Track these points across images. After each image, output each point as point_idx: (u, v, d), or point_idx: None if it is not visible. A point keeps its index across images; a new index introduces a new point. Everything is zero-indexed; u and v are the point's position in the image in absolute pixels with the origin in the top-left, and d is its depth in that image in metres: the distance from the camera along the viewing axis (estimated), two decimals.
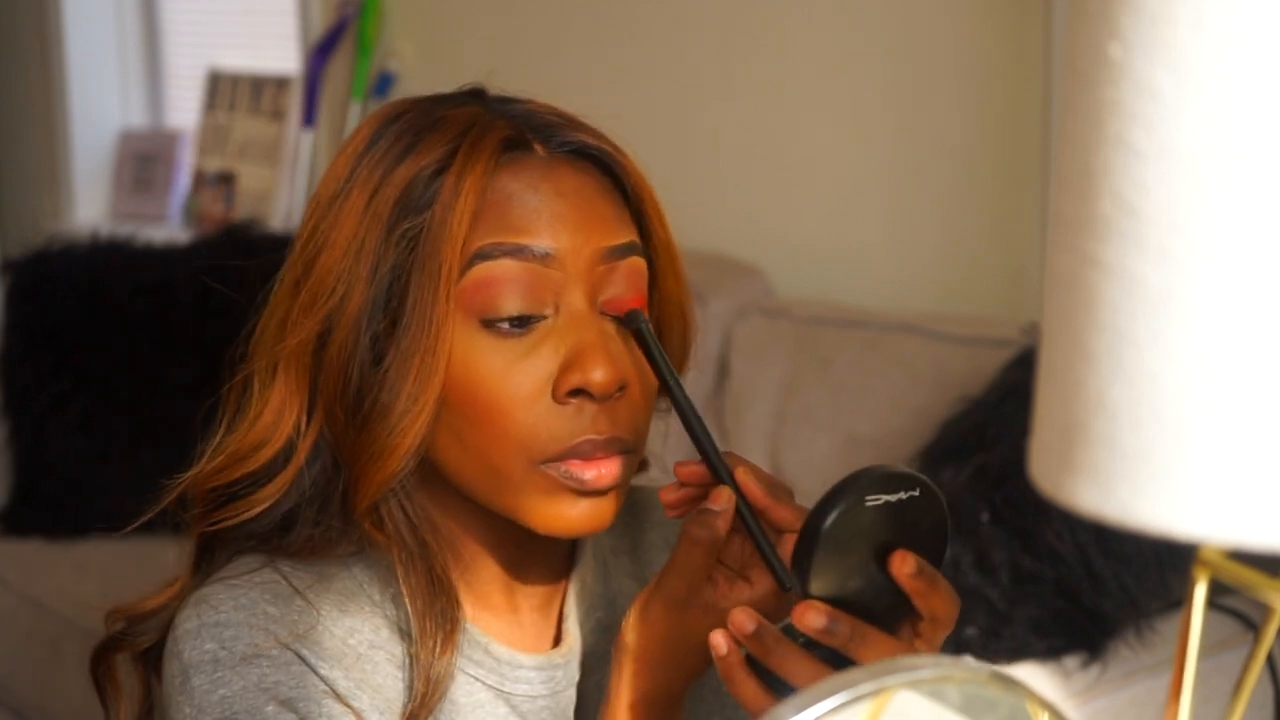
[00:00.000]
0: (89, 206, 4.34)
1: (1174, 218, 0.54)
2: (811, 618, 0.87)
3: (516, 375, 0.95)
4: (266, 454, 0.99)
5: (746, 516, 0.92)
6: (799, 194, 2.87)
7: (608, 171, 1.01)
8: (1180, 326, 0.54)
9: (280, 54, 3.98)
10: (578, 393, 0.95)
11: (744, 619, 0.88)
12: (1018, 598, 1.89)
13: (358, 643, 0.99)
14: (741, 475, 0.93)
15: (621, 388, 0.96)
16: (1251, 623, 1.99)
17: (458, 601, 0.99)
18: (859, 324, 2.55)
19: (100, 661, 1.07)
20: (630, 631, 0.94)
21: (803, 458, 2.51)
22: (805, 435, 2.52)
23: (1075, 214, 0.58)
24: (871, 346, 2.49)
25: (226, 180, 4.02)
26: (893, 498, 0.88)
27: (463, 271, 0.95)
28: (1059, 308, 0.59)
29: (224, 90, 4.08)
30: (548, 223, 0.96)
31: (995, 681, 0.65)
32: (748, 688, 0.89)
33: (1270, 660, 2.01)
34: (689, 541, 0.91)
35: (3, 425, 3.09)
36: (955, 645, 1.89)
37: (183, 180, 4.19)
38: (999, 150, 2.58)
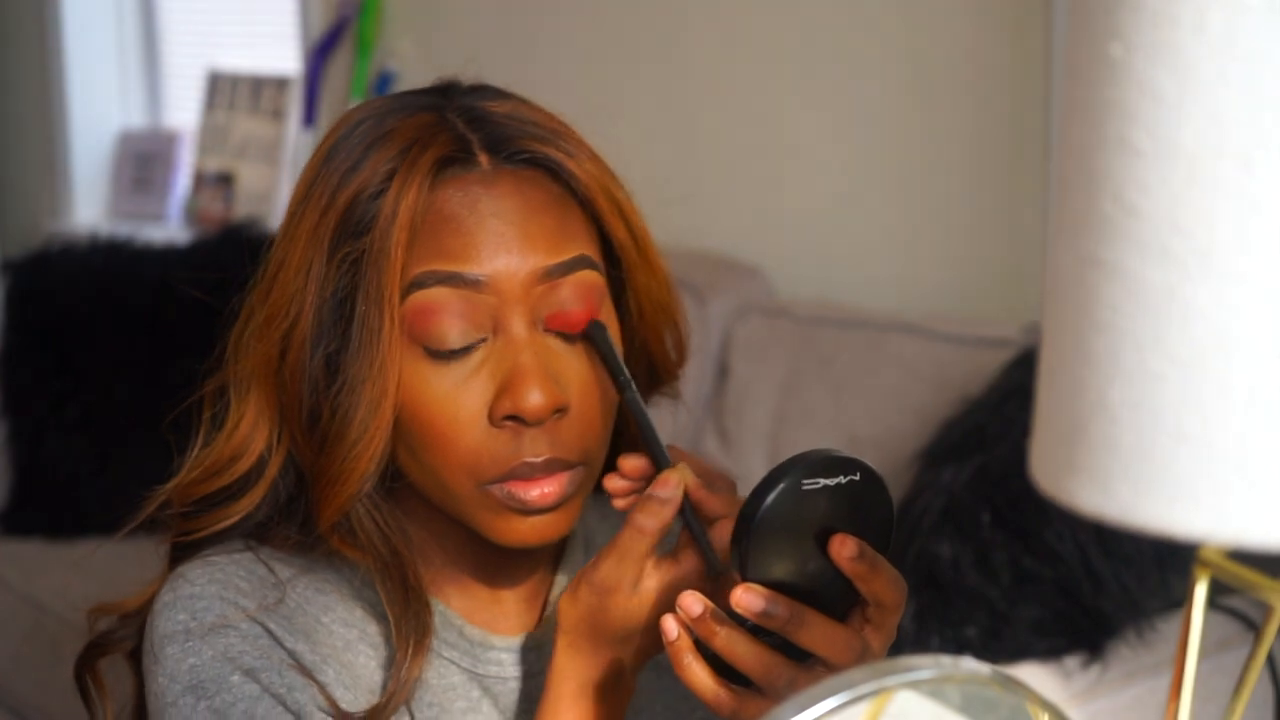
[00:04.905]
0: (89, 206, 4.35)
1: (1175, 218, 0.54)
2: (748, 600, 0.87)
3: (456, 399, 0.96)
4: (241, 467, 1.01)
5: (683, 502, 0.92)
6: (799, 194, 2.87)
7: (559, 178, 1.00)
8: (1181, 327, 0.54)
9: (280, 54, 3.98)
10: (513, 417, 0.96)
11: (691, 602, 0.88)
12: (1018, 598, 1.89)
13: (331, 620, 1.01)
14: (681, 466, 0.93)
15: (560, 410, 0.96)
16: (1251, 623, 1.99)
17: (429, 608, 1.01)
18: (859, 324, 2.55)
19: (86, 664, 1.09)
20: (561, 608, 0.94)
21: None
22: (805, 435, 2.51)
23: (1076, 214, 0.58)
24: (871, 346, 2.49)
25: (226, 180, 4.02)
26: (831, 481, 0.87)
27: (402, 298, 0.96)
28: (1059, 308, 0.59)
29: (223, 90, 4.08)
30: (480, 247, 0.96)
31: (996, 682, 0.65)
32: (694, 672, 0.89)
33: (1270, 660, 2.01)
34: (634, 529, 0.91)
35: (3, 425, 3.09)
36: (955, 645, 1.89)
37: (182, 180, 4.19)
38: (999, 150, 2.58)
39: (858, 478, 0.88)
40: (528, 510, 0.97)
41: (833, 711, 0.61)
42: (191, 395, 1.05)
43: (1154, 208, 0.55)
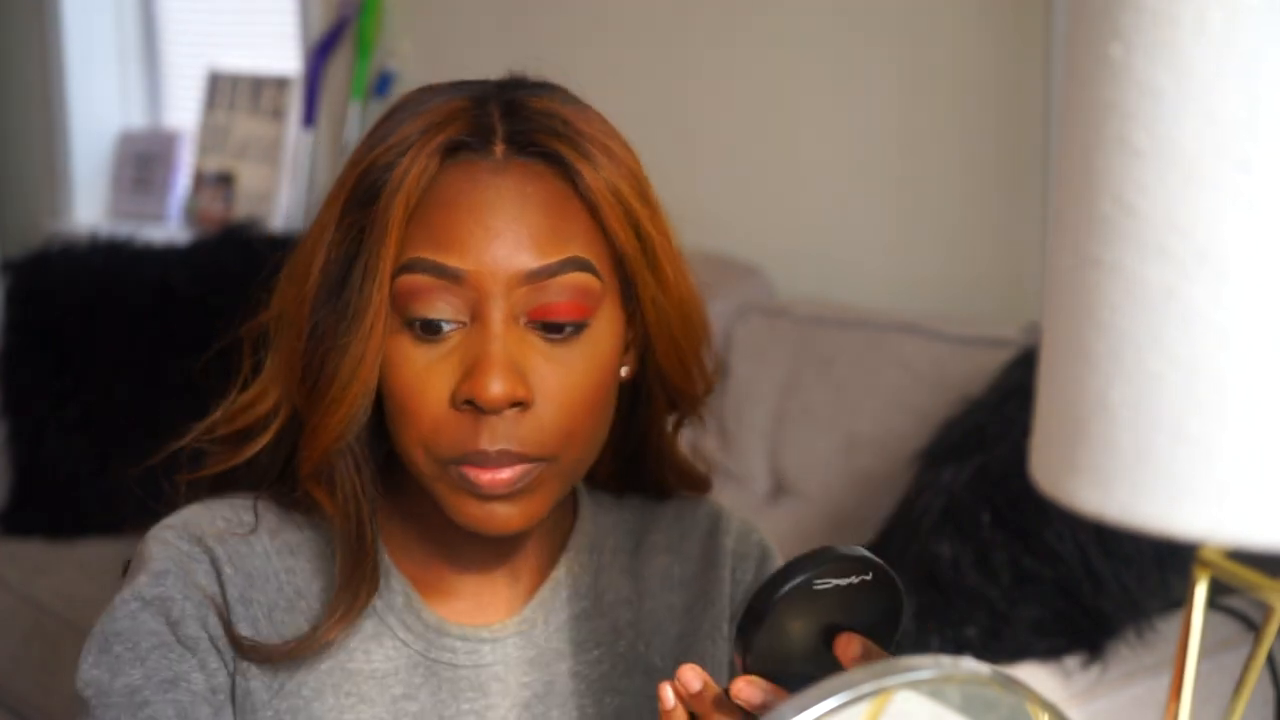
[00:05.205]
0: (89, 206, 4.35)
1: (1174, 218, 0.54)
2: (749, 693, 0.88)
3: (425, 377, 0.98)
4: (257, 412, 1.04)
5: None
6: (799, 194, 2.87)
7: (569, 177, 1.01)
8: (1180, 326, 0.54)
9: (280, 54, 3.98)
10: (470, 402, 0.97)
11: (691, 677, 0.90)
12: (1018, 598, 1.89)
13: (288, 581, 1.05)
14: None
15: (519, 404, 0.97)
16: (1251, 623, 1.99)
17: (375, 581, 1.03)
18: (859, 324, 2.55)
19: None
20: None
21: (803, 458, 2.51)
22: (805, 435, 2.51)
23: (1076, 214, 0.58)
24: (872, 346, 2.49)
25: (226, 180, 4.02)
26: (843, 581, 0.87)
27: (394, 275, 0.98)
28: (1059, 308, 0.59)
29: (223, 90, 4.08)
30: (467, 240, 0.97)
31: (996, 682, 0.65)
32: None
33: (1270, 660, 2.01)
34: None
35: (3, 425, 3.09)
36: (955, 645, 1.89)
37: (182, 180, 4.19)
38: (999, 150, 2.58)
39: (870, 578, 0.88)
40: (481, 495, 0.98)
41: (833, 711, 0.61)
42: (231, 343, 1.08)
43: (1152, 208, 0.55)
